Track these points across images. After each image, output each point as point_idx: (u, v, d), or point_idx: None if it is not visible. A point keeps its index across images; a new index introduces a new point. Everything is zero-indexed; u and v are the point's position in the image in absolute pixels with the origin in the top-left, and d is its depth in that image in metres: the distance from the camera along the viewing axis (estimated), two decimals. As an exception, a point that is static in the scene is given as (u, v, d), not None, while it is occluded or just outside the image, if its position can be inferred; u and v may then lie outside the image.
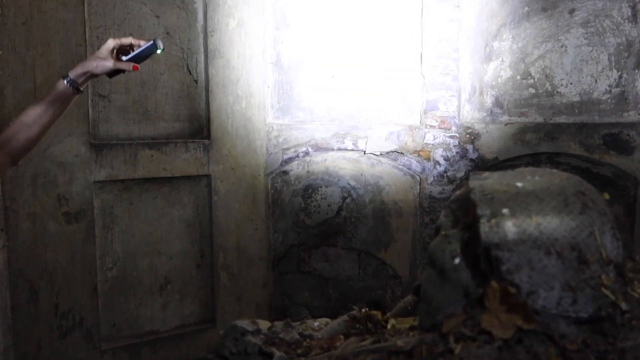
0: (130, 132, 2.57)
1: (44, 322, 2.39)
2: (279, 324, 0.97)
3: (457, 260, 0.73)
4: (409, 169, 2.72)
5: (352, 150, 2.78)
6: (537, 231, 0.69)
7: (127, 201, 2.59)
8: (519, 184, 0.76)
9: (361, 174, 2.82)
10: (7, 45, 2.23)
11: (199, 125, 2.74)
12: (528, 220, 0.70)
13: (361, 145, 2.76)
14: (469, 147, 2.61)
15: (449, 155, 2.64)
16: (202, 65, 2.71)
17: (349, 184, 2.85)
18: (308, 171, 2.89)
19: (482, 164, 2.61)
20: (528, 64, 2.52)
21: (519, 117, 2.55)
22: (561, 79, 2.48)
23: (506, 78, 2.56)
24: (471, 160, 2.62)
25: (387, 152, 2.73)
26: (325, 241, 2.91)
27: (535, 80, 2.52)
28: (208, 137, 2.73)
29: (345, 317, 1.06)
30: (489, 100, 2.60)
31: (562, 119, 2.49)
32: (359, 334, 0.93)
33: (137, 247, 2.63)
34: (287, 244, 2.96)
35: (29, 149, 1.57)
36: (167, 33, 2.62)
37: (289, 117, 2.87)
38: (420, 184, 2.71)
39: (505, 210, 0.71)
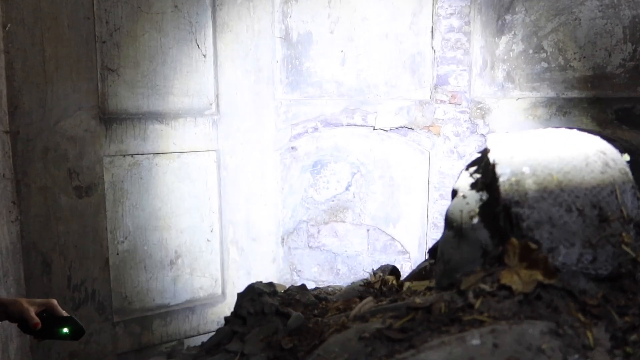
0: (139, 107, 2.56)
1: (57, 294, 2.42)
2: (294, 288, 0.98)
3: (475, 220, 0.73)
4: (419, 144, 2.70)
5: (362, 125, 2.77)
6: (558, 189, 0.68)
7: (137, 176, 2.60)
8: (540, 144, 0.75)
9: (370, 150, 2.81)
10: (15, 17, 2.22)
11: (208, 100, 2.73)
12: (549, 178, 0.69)
13: (370, 120, 2.75)
14: (480, 122, 2.59)
15: (459, 131, 2.62)
16: (210, 40, 2.69)
17: (358, 159, 2.84)
18: (317, 147, 2.89)
19: (492, 139, 2.59)
20: (541, 37, 2.49)
21: (531, 91, 2.53)
22: (574, 53, 2.44)
23: (518, 52, 2.53)
24: (482, 135, 2.60)
25: (397, 128, 2.72)
26: (334, 217, 2.91)
27: (548, 54, 2.48)
28: (217, 112, 2.73)
29: (359, 282, 1.06)
30: (500, 75, 2.57)
31: (574, 94, 2.46)
32: (374, 297, 0.94)
33: (147, 222, 2.64)
34: (296, 220, 2.97)
35: None
36: (176, 6, 2.60)
37: (298, 92, 2.85)
38: (429, 159, 2.70)
39: (525, 169, 0.70)
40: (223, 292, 2.87)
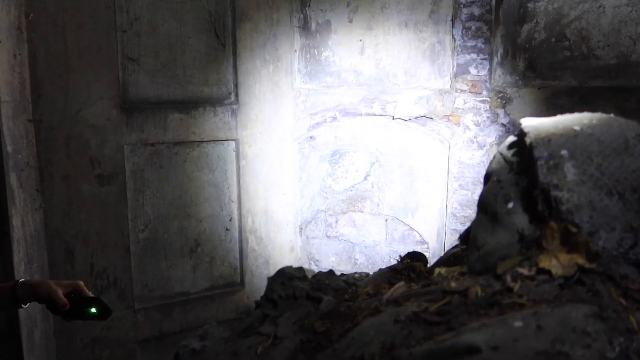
0: (159, 96, 2.58)
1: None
2: (322, 273, 0.98)
3: (510, 205, 0.73)
4: (438, 134, 2.69)
5: (381, 115, 2.76)
6: (598, 172, 0.67)
7: (158, 164, 2.62)
8: (577, 128, 0.74)
9: (389, 139, 2.80)
10: (38, 6, 2.24)
11: (227, 89, 2.74)
12: (588, 162, 0.68)
13: (390, 110, 2.74)
14: (500, 111, 2.56)
15: (480, 120, 2.60)
16: (229, 29, 2.69)
17: (376, 149, 2.83)
18: (335, 136, 2.88)
19: (513, 129, 2.57)
20: (564, 25, 2.45)
21: (553, 80, 2.49)
22: (598, 41, 2.40)
23: (540, 40, 2.49)
24: (502, 125, 2.58)
25: (416, 117, 2.70)
26: (352, 206, 2.91)
27: (571, 42, 2.44)
28: (236, 101, 2.73)
29: (386, 268, 1.06)
30: (521, 64, 2.54)
31: (597, 83, 2.42)
32: (406, 282, 0.94)
33: (167, 210, 2.67)
34: (314, 209, 2.97)
35: None
36: (195, -5, 2.60)
37: (317, 81, 2.84)
38: (449, 149, 2.68)
39: (564, 152, 0.69)
40: (242, 281, 2.89)
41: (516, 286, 0.66)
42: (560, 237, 0.67)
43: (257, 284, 2.93)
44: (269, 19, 2.75)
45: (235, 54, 2.70)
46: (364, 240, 2.92)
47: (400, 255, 1.06)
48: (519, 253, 0.70)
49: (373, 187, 2.87)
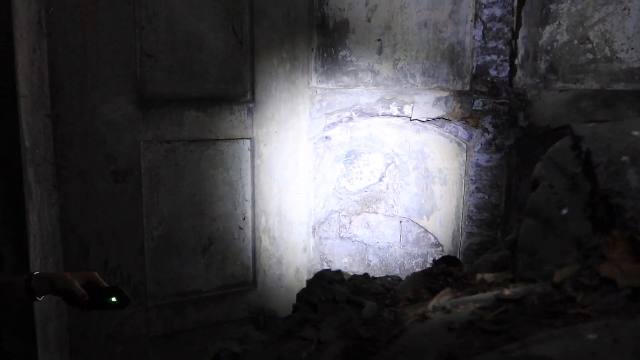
0: (175, 93, 2.56)
1: (94, 278, 2.44)
2: (358, 276, 0.96)
3: (565, 211, 0.70)
4: (456, 135, 2.66)
5: (397, 116, 2.73)
6: (663, 179, 0.65)
7: (173, 162, 2.60)
8: (635, 133, 0.72)
9: (405, 141, 2.78)
10: (57, 1, 2.22)
11: (243, 87, 2.72)
12: (651, 168, 0.66)
13: (407, 111, 2.71)
14: (520, 114, 2.53)
15: (498, 123, 2.57)
16: (247, 26, 2.67)
17: (392, 150, 2.81)
18: (351, 137, 2.86)
19: (533, 132, 2.54)
20: (587, 27, 2.42)
21: (574, 83, 2.46)
22: (622, 44, 2.37)
23: (562, 42, 2.47)
24: (521, 128, 2.55)
25: (434, 119, 2.68)
26: (367, 207, 2.89)
27: (594, 44, 2.42)
28: (252, 99, 2.71)
29: (419, 272, 1.04)
30: (542, 66, 2.51)
31: (620, 86, 2.39)
32: (442, 287, 0.92)
33: (181, 208, 2.65)
34: (327, 210, 2.95)
35: None
36: (214, -8, 2.58)
37: (333, 81, 2.82)
38: (467, 151, 2.66)
39: (625, 158, 0.67)
40: (254, 280, 2.87)
41: (579, 296, 0.64)
42: (625, 246, 0.65)
43: (270, 284, 2.91)
44: (286, 16, 2.73)
45: (252, 52, 2.68)
46: (377, 242, 2.90)
47: (434, 259, 1.04)
48: (576, 261, 0.68)
49: (388, 188, 2.84)
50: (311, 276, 2.99)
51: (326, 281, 0.90)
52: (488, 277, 0.85)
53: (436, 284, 0.96)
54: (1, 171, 2.11)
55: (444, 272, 0.98)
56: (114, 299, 1.33)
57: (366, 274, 1.00)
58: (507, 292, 0.70)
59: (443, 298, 0.79)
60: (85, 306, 1.33)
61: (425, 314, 0.77)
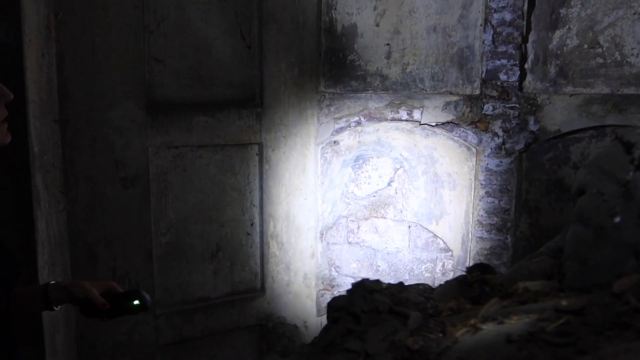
0: (184, 98, 2.54)
1: (102, 285, 2.40)
2: (393, 285, 0.95)
3: (617, 219, 0.69)
4: (465, 140, 2.65)
5: (407, 120, 2.72)
6: None
7: (181, 167, 2.58)
8: (689, 139, 0.71)
9: (414, 145, 2.77)
10: (66, 6, 2.20)
11: (252, 92, 2.70)
12: None
13: (416, 115, 2.70)
14: (530, 118, 2.53)
15: (508, 127, 2.57)
16: (255, 31, 2.65)
17: (401, 154, 2.80)
18: (359, 141, 2.85)
19: (543, 137, 2.53)
20: (597, 32, 2.42)
21: (585, 87, 2.46)
22: (632, 48, 2.37)
23: (572, 47, 2.46)
24: (531, 132, 2.54)
25: (443, 123, 2.67)
26: (375, 212, 2.88)
27: (604, 49, 2.41)
28: (260, 104, 2.70)
29: (453, 280, 1.02)
30: (552, 70, 2.51)
31: (631, 90, 2.39)
32: (480, 296, 0.90)
33: (189, 214, 2.63)
34: (335, 215, 2.93)
35: None
36: (222, -4, 2.57)
37: (341, 85, 2.81)
38: (476, 155, 2.65)
39: (682, 166, 0.66)
40: (262, 287, 2.85)
41: (646, 307, 0.63)
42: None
43: (278, 290, 2.89)
44: (294, 21, 2.72)
45: (260, 56, 2.67)
46: (386, 247, 2.89)
47: (467, 267, 1.02)
48: (634, 270, 0.67)
49: (397, 193, 2.83)
50: (319, 282, 2.97)
51: (367, 291, 0.88)
52: (532, 285, 0.84)
53: (473, 293, 0.95)
54: (9, 177, 2.08)
55: (479, 280, 0.96)
56: (137, 302, 1.30)
57: (401, 283, 0.98)
58: (564, 302, 0.69)
59: (492, 308, 0.78)
60: (105, 315, 1.29)
61: (475, 325, 0.75)
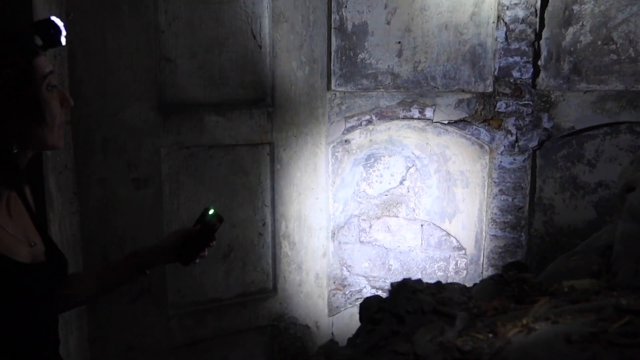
0: (195, 98, 2.52)
1: (116, 287, 2.39)
2: (431, 285, 0.93)
3: (672, 215, 0.67)
4: (478, 138, 2.64)
5: (419, 118, 2.71)
6: None
7: (193, 168, 2.56)
8: None
9: (426, 143, 2.75)
10: (78, 6, 2.18)
11: (263, 91, 2.68)
12: None
13: (428, 113, 2.69)
14: (544, 115, 2.52)
15: (522, 124, 2.55)
16: (266, 30, 2.64)
17: (413, 153, 2.79)
18: (370, 140, 2.83)
19: (556, 134, 2.52)
20: (610, 28, 2.41)
21: (598, 84, 2.45)
22: (646, 45, 2.36)
23: (586, 43, 2.45)
24: (545, 129, 2.53)
25: (455, 121, 2.65)
26: (387, 211, 2.86)
27: (618, 45, 2.41)
28: (272, 104, 2.68)
29: (488, 279, 1.01)
30: (566, 67, 2.49)
31: (645, 87, 2.38)
32: (520, 295, 0.89)
33: (201, 215, 2.60)
34: (347, 214, 2.92)
35: (75, 307, 1.51)
36: (233, -5, 2.55)
37: (352, 84, 2.79)
38: (489, 153, 2.64)
39: None
40: (274, 287, 2.83)
41: None
42: None
43: (290, 290, 2.87)
44: (305, 20, 2.70)
45: (271, 56, 2.65)
46: (398, 246, 2.87)
47: (502, 266, 1.01)
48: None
49: (409, 191, 2.82)
50: (330, 281, 2.95)
51: (410, 291, 0.87)
52: (579, 284, 0.82)
53: (511, 292, 0.93)
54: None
55: (517, 279, 0.95)
56: (211, 211, 1.41)
57: (439, 282, 0.97)
58: (624, 301, 0.68)
59: (542, 308, 0.76)
60: (200, 245, 1.41)
61: (527, 325, 0.74)
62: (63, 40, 1.18)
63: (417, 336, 0.75)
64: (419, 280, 0.90)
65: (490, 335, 0.76)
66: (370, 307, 0.90)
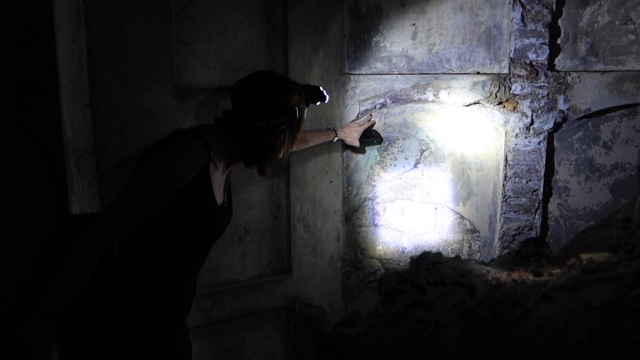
0: (211, 82, 2.54)
1: (135, 268, 2.44)
2: (451, 259, 0.95)
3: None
4: (492, 120, 2.64)
5: (433, 101, 2.71)
6: None
7: (209, 151, 2.58)
8: None
9: (441, 127, 2.75)
10: (95, -10, 2.20)
11: (277, 75, 2.69)
12: None
13: (443, 96, 2.69)
14: (560, 97, 2.50)
15: (537, 107, 2.54)
16: (280, 13, 2.64)
17: (427, 136, 2.79)
18: (385, 123, 2.84)
19: (572, 116, 2.51)
20: (629, 8, 2.38)
21: (616, 65, 2.43)
22: (665, 24, 2.33)
23: (603, 24, 2.43)
24: (561, 111, 2.52)
25: (470, 104, 2.65)
26: (401, 194, 2.88)
27: (636, 25, 2.38)
28: (286, 87, 2.69)
29: (506, 254, 1.02)
30: (582, 48, 2.47)
31: (664, 67, 2.35)
32: (539, 268, 0.90)
33: (217, 198, 2.64)
34: (361, 197, 2.94)
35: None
36: (247, -21, 2.55)
37: (366, 67, 2.79)
38: (504, 136, 2.63)
39: None
40: (289, 269, 2.87)
41: None
42: None
43: (305, 272, 2.91)
44: (319, 3, 2.70)
45: (285, 39, 2.66)
46: (412, 229, 2.89)
47: (520, 242, 1.03)
48: None
49: (423, 174, 2.83)
50: (344, 264, 2.98)
51: (431, 263, 0.89)
52: (597, 257, 0.84)
53: (529, 266, 0.95)
54: (44, 163, 2.10)
55: (535, 253, 0.96)
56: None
57: (458, 256, 0.99)
58: (642, 270, 0.69)
59: (562, 278, 0.78)
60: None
61: (547, 294, 0.75)
62: (326, 99, 2.08)
63: (438, 305, 0.77)
64: (439, 253, 0.92)
65: (510, 304, 0.78)
66: (390, 280, 0.92)
